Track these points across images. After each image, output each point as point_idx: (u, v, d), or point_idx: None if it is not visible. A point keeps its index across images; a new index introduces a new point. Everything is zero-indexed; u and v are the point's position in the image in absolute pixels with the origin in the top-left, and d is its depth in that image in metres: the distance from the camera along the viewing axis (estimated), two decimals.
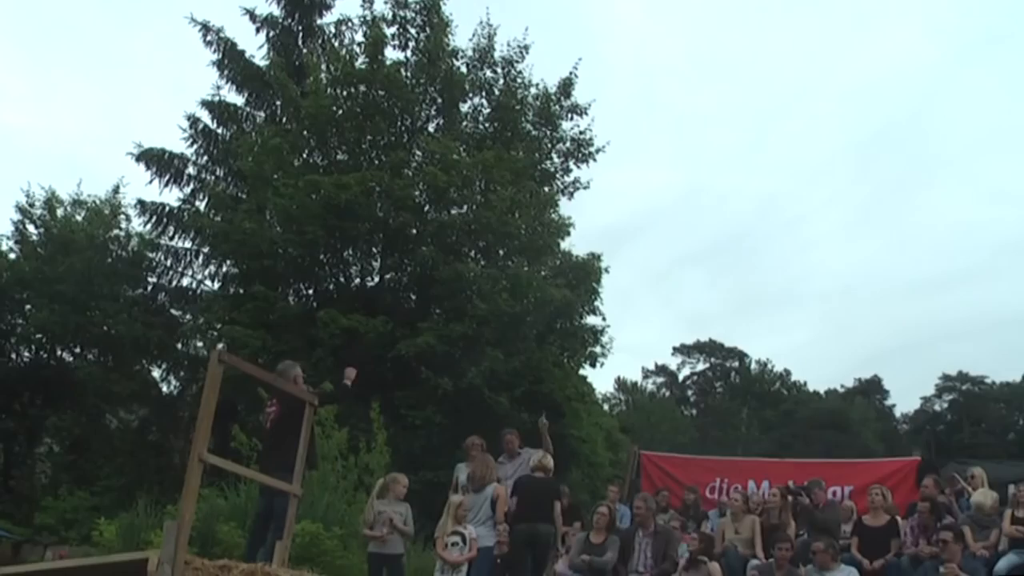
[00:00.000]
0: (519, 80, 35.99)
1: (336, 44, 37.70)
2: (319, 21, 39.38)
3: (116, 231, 39.65)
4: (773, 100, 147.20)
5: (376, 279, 35.55)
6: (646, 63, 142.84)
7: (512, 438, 16.35)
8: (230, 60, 38.17)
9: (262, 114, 38.48)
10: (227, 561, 10.13)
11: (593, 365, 35.12)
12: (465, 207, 33.81)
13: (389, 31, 35.44)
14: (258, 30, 38.68)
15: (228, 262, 36.58)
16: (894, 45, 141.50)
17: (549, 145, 36.60)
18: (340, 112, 34.29)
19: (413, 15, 35.56)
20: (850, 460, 27.33)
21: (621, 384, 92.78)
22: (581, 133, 36.49)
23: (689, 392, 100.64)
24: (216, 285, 38.08)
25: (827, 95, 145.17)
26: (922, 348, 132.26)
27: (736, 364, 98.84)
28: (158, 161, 37.84)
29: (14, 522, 33.85)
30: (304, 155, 35.26)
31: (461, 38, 35.76)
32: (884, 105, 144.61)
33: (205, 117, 38.38)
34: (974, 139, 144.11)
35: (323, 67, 35.24)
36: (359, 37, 36.68)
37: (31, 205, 41.15)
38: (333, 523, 17.09)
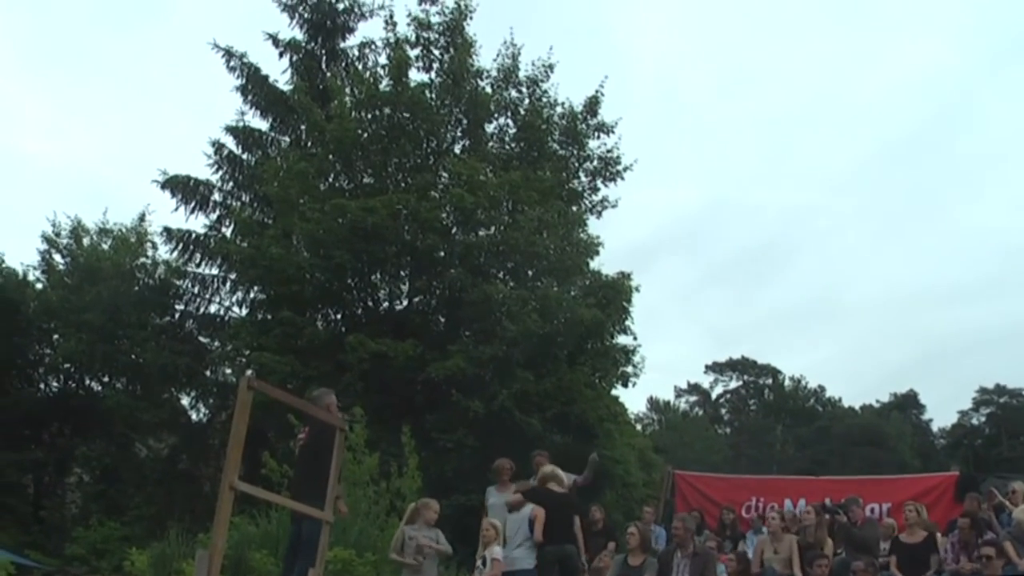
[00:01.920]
0: (544, 99, 35.86)
1: (360, 67, 37.79)
2: (342, 44, 39.33)
3: (143, 259, 39.60)
4: (799, 110, 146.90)
5: (404, 302, 35.40)
6: (670, 77, 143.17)
7: (541, 459, 16.19)
8: (254, 85, 38.13)
9: (287, 139, 38.37)
10: None
11: (625, 385, 34.88)
12: (493, 228, 33.66)
13: (413, 53, 35.29)
14: (281, 55, 38.62)
15: (255, 288, 36.45)
16: (920, 53, 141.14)
17: (576, 164, 36.45)
18: (365, 135, 34.20)
19: (437, 36, 35.43)
20: (887, 476, 27.16)
21: (653, 403, 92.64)
22: (608, 151, 36.32)
23: (722, 410, 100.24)
24: (244, 311, 37.91)
25: (853, 104, 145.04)
26: (958, 360, 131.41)
27: (769, 381, 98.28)
28: (183, 188, 37.76)
29: (45, 553, 33.81)
30: (330, 179, 35.19)
31: (485, 58, 35.55)
32: (911, 113, 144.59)
33: (230, 143, 38.34)
34: (1005, 145, 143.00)
35: (347, 90, 35.23)
36: (383, 59, 36.74)
37: (57, 234, 41.30)
38: (365, 549, 16.94)
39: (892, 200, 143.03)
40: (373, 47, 38.27)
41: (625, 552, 15.06)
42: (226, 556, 11.41)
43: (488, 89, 35.53)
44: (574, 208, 35.65)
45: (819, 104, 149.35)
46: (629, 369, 34.21)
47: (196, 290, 38.41)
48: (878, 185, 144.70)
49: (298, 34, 38.81)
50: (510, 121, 36.24)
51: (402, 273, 35.07)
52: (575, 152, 36.34)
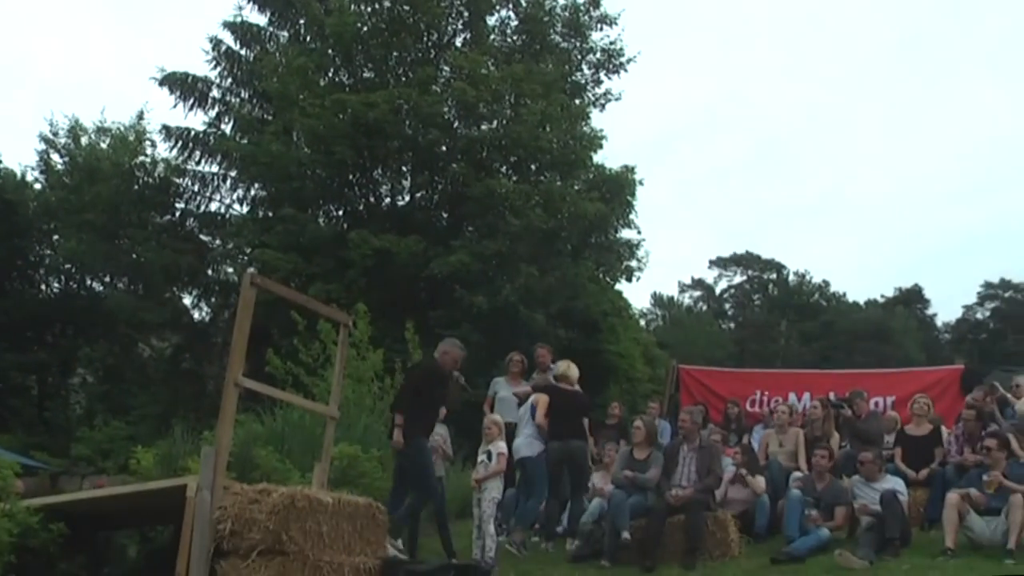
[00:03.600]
0: None
1: None
2: None
3: (142, 158, 39.08)
4: (808, 4, 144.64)
5: (407, 198, 35.28)
6: None
7: (544, 352, 16.19)
8: None
9: (286, 34, 37.86)
10: (266, 485, 10.10)
11: (629, 280, 35.09)
12: (495, 122, 33.49)
13: None
14: None
15: (256, 185, 36.33)
16: None
17: (579, 57, 36.21)
18: (365, 29, 33.81)
19: None
20: (892, 370, 26.91)
21: (657, 299, 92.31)
22: (611, 43, 36.09)
23: (726, 305, 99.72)
24: (245, 209, 37.81)
25: None
26: (963, 255, 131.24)
27: (774, 276, 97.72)
28: (181, 85, 37.33)
29: (51, 453, 33.82)
30: (330, 74, 34.97)
31: None
32: (921, 6, 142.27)
33: (228, 39, 37.83)
34: (1014, 40, 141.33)
35: None
36: None
37: (55, 134, 40.97)
38: (371, 445, 16.77)
39: (898, 94, 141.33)
40: None
41: (631, 445, 14.93)
42: (232, 453, 11.30)
43: None
44: (577, 101, 35.40)
45: None
46: (633, 263, 34.39)
47: (196, 188, 38.15)
48: (885, 80, 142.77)
49: None
50: (512, 13, 35.97)
51: (404, 168, 34.94)
52: (578, 44, 36.07)
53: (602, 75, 36.40)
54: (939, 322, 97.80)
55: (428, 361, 14.77)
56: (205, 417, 24.17)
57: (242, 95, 38.06)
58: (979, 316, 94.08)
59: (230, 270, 37.35)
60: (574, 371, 14.60)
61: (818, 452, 14.27)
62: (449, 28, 35.29)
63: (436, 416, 13.59)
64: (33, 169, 41.33)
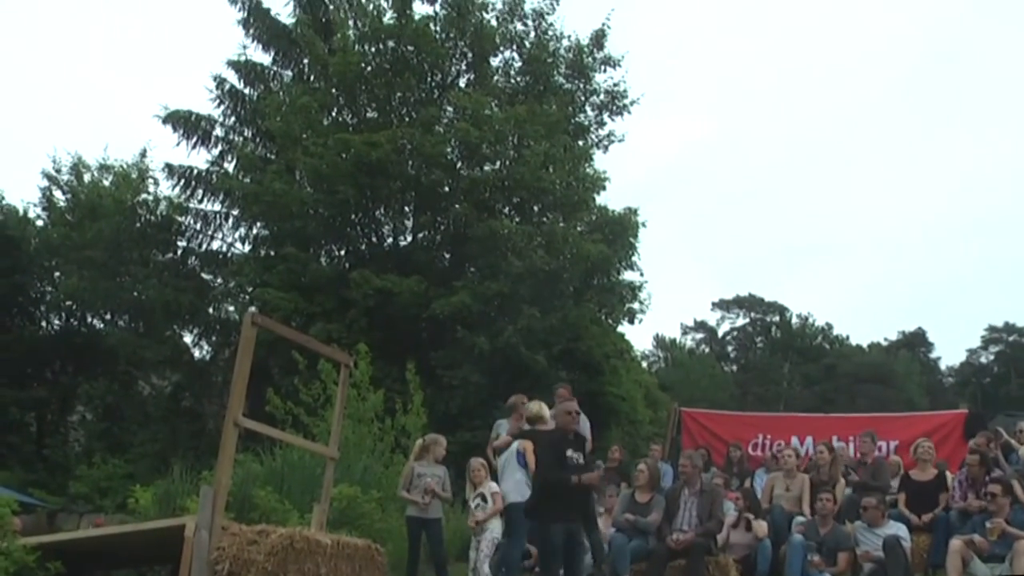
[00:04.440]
0: (550, 32, 35.65)
1: (363, 0, 37.22)
2: None
3: (144, 195, 39.15)
4: (810, 39, 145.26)
5: (409, 238, 35.21)
6: (677, 9, 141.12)
7: (564, 392, 15.85)
8: (256, 18, 37.68)
9: (289, 73, 38.02)
10: (264, 526, 10.10)
11: (631, 322, 34.93)
12: (498, 163, 33.46)
13: None
14: None
15: (258, 224, 36.28)
16: None
17: (582, 98, 36.20)
18: (369, 69, 33.88)
19: None
20: (895, 414, 26.96)
21: (660, 341, 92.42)
22: (615, 85, 36.08)
23: (729, 348, 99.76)
24: (247, 248, 37.72)
25: (864, 36, 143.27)
26: (967, 298, 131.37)
27: (776, 318, 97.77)
28: (185, 123, 37.39)
29: (49, 491, 33.81)
30: (333, 113, 35.03)
31: None
32: (922, 45, 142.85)
33: (232, 77, 37.93)
34: (1014, 77, 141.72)
35: (351, 23, 34.93)
36: None
37: (58, 171, 41.24)
38: (370, 486, 16.74)
39: (902, 134, 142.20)
40: None
41: (632, 488, 14.86)
42: (230, 493, 11.26)
43: (493, 22, 35.24)
44: (580, 143, 35.42)
45: (828, 37, 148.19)
46: (635, 306, 34.27)
47: (198, 226, 38.10)
48: (887, 119, 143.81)
49: None
50: (515, 55, 36.04)
51: (407, 209, 34.91)
52: (581, 86, 36.07)
53: (605, 117, 36.43)
54: (943, 366, 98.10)
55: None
56: (204, 456, 24.14)
57: (245, 134, 38.12)
58: (983, 360, 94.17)
59: (231, 308, 37.33)
60: (545, 410, 14.42)
61: (823, 496, 14.25)
62: (453, 69, 35.36)
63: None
64: (35, 205, 41.64)
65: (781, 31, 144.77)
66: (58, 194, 41.28)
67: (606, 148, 36.69)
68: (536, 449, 13.60)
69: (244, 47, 37.78)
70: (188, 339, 40.04)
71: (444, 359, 30.20)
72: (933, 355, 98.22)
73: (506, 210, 33.64)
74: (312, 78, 36.39)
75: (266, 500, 14.53)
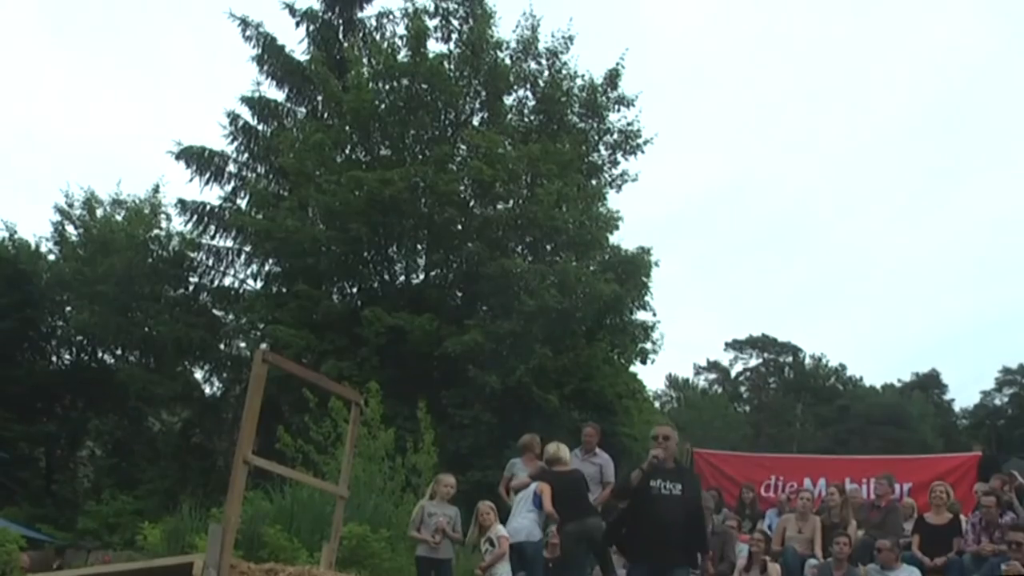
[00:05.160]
0: (564, 71, 35.56)
1: (378, 37, 37.53)
2: (360, 14, 39.04)
3: (156, 231, 39.34)
4: (823, 84, 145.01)
5: (421, 276, 35.17)
6: (692, 51, 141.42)
7: (592, 431, 15.70)
8: (270, 55, 37.84)
9: (303, 110, 38.16)
10: (273, 564, 9.97)
11: (644, 362, 34.73)
12: (511, 201, 33.40)
13: (431, 23, 35.00)
14: (298, 24, 38.35)
15: (270, 261, 36.29)
16: (946, 24, 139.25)
17: (596, 137, 36.18)
18: (383, 106, 33.85)
19: (456, 6, 35.18)
20: (908, 456, 26.86)
21: (672, 381, 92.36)
22: (628, 125, 36.03)
23: (742, 388, 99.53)
24: (259, 284, 37.74)
25: (877, 78, 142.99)
26: (981, 340, 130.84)
27: (790, 359, 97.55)
28: (198, 159, 37.51)
29: (57, 527, 33.75)
30: (346, 151, 34.99)
31: (504, 29, 35.27)
32: (936, 87, 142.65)
33: (245, 114, 38.11)
34: None
35: (365, 61, 34.93)
36: (401, 30, 36.56)
37: (70, 206, 41.39)
38: (380, 525, 16.61)
39: (914, 176, 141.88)
40: (391, 17, 38.04)
41: None
42: (239, 531, 11.14)
43: (507, 61, 35.22)
44: (594, 182, 35.42)
45: (843, 79, 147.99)
46: (648, 345, 34.10)
47: (210, 262, 38.17)
48: (900, 161, 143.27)
49: (315, 3, 38.61)
50: (529, 93, 36.01)
51: (419, 246, 34.84)
52: (595, 125, 36.04)
53: (619, 156, 36.39)
54: (956, 407, 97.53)
55: None
56: (214, 493, 24.05)
57: (258, 170, 38.21)
58: (997, 402, 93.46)
59: (242, 345, 37.30)
60: (564, 451, 14.26)
61: (840, 540, 14.12)
62: (466, 107, 35.32)
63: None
64: (47, 240, 41.78)
65: (795, 73, 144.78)
66: (70, 229, 41.49)
67: (619, 187, 36.70)
68: (553, 491, 13.49)
69: (258, 84, 38.07)
70: (199, 375, 40.15)
71: (455, 398, 30.10)
72: (947, 397, 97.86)
73: (519, 249, 33.59)
74: (326, 115, 36.45)
75: (275, 538, 14.43)
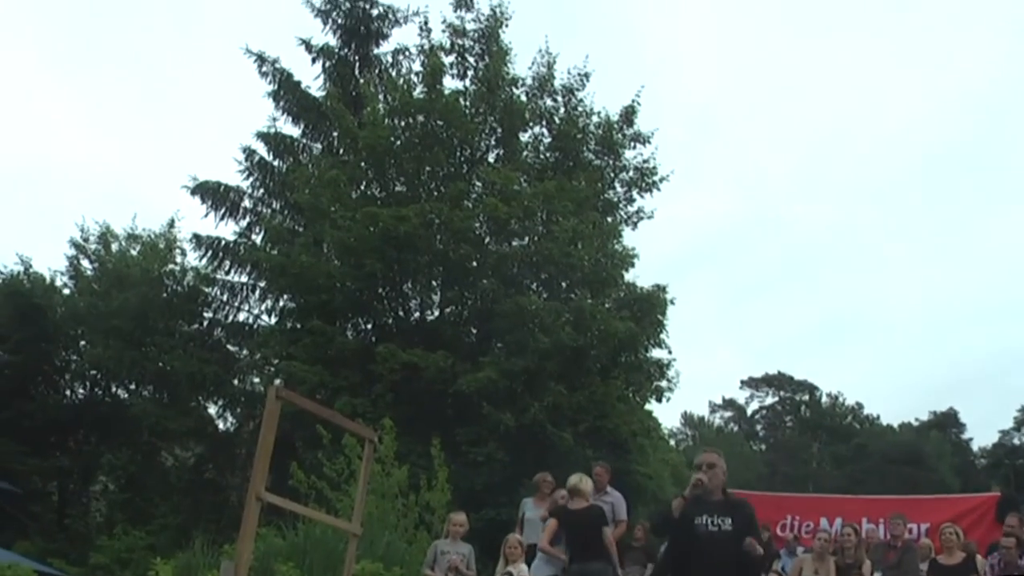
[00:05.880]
0: (580, 109, 35.55)
1: (393, 74, 37.68)
2: (376, 51, 39.19)
3: (171, 265, 39.42)
4: (838, 122, 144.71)
5: (436, 313, 35.04)
6: (707, 87, 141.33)
7: (601, 471, 15.65)
8: (286, 91, 37.94)
9: (319, 146, 38.26)
10: None
11: (659, 400, 34.60)
12: (527, 238, 33.38)
13: (447, 60, 35.01)
14: (314, 60, 38.51)
15: (285, 296, 36.29)
16: (963, 64, 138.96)
17: (612, 174, 36.10)
18: (398, 143, 33.85)
19: (472, 43, 35.18)
20: (926, 496, 26.69)
21: (688, 419, 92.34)
22: (644, 162, 35.97)
23: (758, 426, 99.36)
24: (273, 320, 37.75)
25: (894, 117, 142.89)
26: (1000, 378, 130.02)
27: (806, 397, 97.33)
28: (213, 194, 37.58)
29: (69, 561, 33.63)
30: (362, 187, 34.93)
31: (520, 66, 35.20)
32: (953, 126, 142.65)
33: (261, 149, 38.21)
34: None
35: (380, 97, 35.05)
36: (417, 66, 36.70)
37: (85, 240, 41.44)
38: (393, 562, 16.54)
39: (932, 214, 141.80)
40: (407, 54, 38.19)
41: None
42: (252, 567, 11.03)
43: (523, 97, 35.20)
44: (609, 219, 35.25)
45: (859, 116, 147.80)
46: (663, 383, 33.92)
47: (225, 298, 38.26)
48: (918, 199, 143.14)
49: (331, 40, 38.77)
50: (545, 130, 36.01)
51: (434, 283, 34.76)
52: (611, 162, 35.99)
53: (635, 193, 36.29)
54: (974, 447, 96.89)
55: None
56: (226, 529, 24.04)
57: (273, 206, 38.26)
58: (1016, 441, 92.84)
59: (256, 380, 37.31)
60: (587, 484, 14.00)
61: None
62: (482, 144, 35.28)
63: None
64: (62, 274, 41.82)
65: (812, 109, 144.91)
66: (85, 263, 41.56)
67: (635, 225, 36.58)
68: (566, 529, 13.39)
69: (274, 119, 38.15)
70: (212, 411, 40.10)
71: (469, 435, 29.91)
72: (965, 436, 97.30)
73: (534, 286, 33.47)
74: (341, 151, 36.49)
75: (287, 575, 14.35)
